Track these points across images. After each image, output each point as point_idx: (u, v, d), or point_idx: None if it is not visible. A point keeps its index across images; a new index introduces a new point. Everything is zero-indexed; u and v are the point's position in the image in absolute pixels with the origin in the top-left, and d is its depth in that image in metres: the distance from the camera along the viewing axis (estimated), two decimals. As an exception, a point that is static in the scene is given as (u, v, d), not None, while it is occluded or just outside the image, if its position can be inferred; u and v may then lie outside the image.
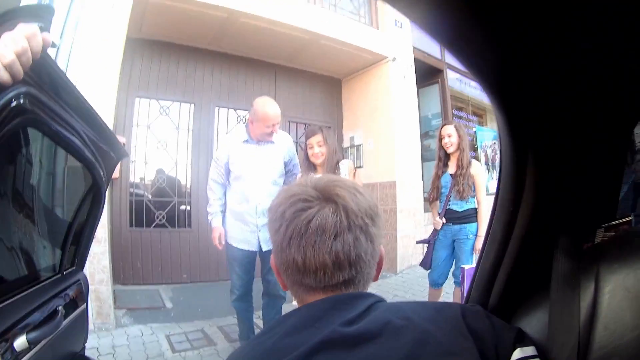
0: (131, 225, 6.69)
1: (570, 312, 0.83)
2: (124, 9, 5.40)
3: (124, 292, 5.34)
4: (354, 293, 1.00)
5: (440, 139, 4.67)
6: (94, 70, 5.00)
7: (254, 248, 4.10)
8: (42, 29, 2.09)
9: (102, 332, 4.72)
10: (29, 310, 1.48)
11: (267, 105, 3.98)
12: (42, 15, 2.28)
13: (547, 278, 0.94)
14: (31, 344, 1.38)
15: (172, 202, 7.13)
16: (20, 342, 1.33)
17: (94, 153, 1.71)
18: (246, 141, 4.08)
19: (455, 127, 4.62)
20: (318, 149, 4.00)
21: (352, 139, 8.95)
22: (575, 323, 0.81)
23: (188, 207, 7.31)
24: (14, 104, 1.11)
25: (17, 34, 1.07)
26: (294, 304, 3.24)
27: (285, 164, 4.26)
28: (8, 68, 1.04)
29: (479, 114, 12.20)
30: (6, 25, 2.25)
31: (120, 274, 6.34)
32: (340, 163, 4.02)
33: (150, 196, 7.00)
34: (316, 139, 4.02)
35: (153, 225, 6.84)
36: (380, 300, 0.99)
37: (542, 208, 1.01)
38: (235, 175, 4.06)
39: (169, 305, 5.89)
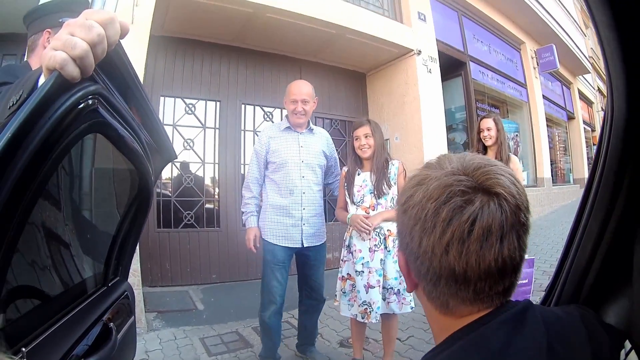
0: (159, 226, 6.66)
1: None
2: (147, 7, 5.36)
3: (154, 294, 5.29)
4: (519, 308, 0.86)
5: (479, 132, 4.61)
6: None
7: (297, 244, 3.94)
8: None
9: None
10: (82, 332, 1.35)
11: (294, 83, 4.06)
12: (79, 10, 2.17)
13: (630, 267, 0.97)
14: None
15: (199, 202, 7.09)
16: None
17: (149, 158, 1.55)
18: (287, 128, 4.04)
19: (494, 120, 4.56)
20: (365, 141, 3.72)
21: (379, 133, 8.76)
22: None
23: (216, 207, 7.26)
24: (81, 105, 0.92)
25: (90, 20, 0.87)
26: (336, 304, 3.04)
27: (327, 158, 4.20)
28: (79, 61, 0.84)
29: (498, 106, 12.19)
30: (43, 20, 2.15)
31: (149, 275, 6.29)
32: (390, 163, 3.77)
33: (177, 196, 6.92)
34: (363, 130, 3.75)
35: (181, 225, 6.79)
36: (530, 306, 0.87)
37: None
38: (277, 165, 3.95)
39: (200, 306, 5.83)
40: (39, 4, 2.31)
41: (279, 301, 3.97)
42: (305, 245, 3.94)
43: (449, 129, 9.36)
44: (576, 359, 0.81)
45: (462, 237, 0.80)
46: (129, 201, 1.78)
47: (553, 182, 13.58)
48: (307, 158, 4.01)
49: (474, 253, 0.79)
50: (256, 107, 7.77)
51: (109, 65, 0.98)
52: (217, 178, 7.31)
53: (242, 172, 7.41)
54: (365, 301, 3.51)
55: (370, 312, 3.51)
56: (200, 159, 7.17)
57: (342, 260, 3.84)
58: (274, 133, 4.05)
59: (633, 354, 0.88)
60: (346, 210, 3.85)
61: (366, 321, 3.59)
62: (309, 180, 4.00)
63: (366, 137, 3.72)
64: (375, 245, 3.61)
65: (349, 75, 8.95)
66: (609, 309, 1.06)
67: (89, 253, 1.79)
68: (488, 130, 4.49)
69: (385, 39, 7.71)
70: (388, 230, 3.64)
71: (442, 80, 8.69)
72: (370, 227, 3.52)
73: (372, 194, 3.69)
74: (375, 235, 3.62)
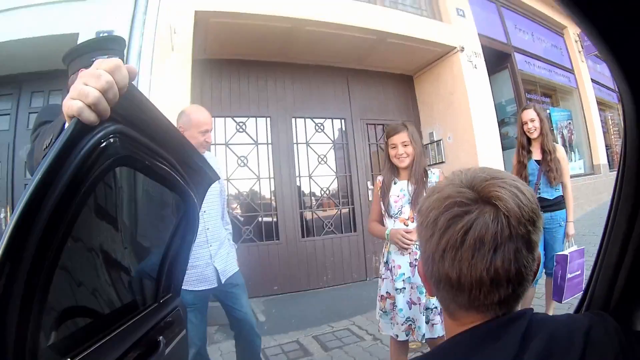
0: (219, 242, 6.77)
1: None
2: (186, 33, 5.58)
3: (215, 308, 5.44)
4: (504, 320, 0.89)
5: (522, 124, 4.50)
6: (164, 97, 5.16)
7: (213, 284, 3.52)
8: (119, 60, 2.11)
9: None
10: (131, 344, 1.47)
11: (199, 110, 3.47)
12: (114, 48, 2.32)
13: None
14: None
15: (257, 216, 7.24)
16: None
17: (186, 180, 1.68)
18: None
19: (536, 110, 4.45)
20: (403, 150, 3.34)
21: (430, 134, 8.80)
22: None
23: (274, 219, 7.38)
24: (103, 144, 1.04)
25: (99, 69, 0.99)
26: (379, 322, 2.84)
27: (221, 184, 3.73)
28: (93, 107, 0.96)
29: (550, 95, 11.87)
30: (81, 59, 2.29)
31: None
32: (429, 172, 3.43)
33: (236, 212, 7.09)
34: (401, 137, 3.36)
35: (240, 240, 6.93)
36: (531, 318, 0.90)
37: None
38: None
39: (261, 318, 5.93)
40: (76, 44, 2.46)
41: (201, 342, 3.63)
42: (223, 281, 3.52)
43: (501, 123, 9.19)
44: None
45: (455, 246, 0.85)
46: (176, 222, 1.92)
47: (610, 168, 13.04)
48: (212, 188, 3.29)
49: (466, 261, 0.85)
50: (307, 120, 7.88)
51: (126, 105, 1.08)
52: (273, 192, 7.45)
53: (298, 183, 7.59)
54: (409, 317, 3.23)
55: (414, 328, 3.22)
56: (255, 175, 7.34)
57: (380, 278, 3.49)
58: None
59: None
60: (381, 223, 3.53)
61: (411, 338, 3.28)
62: (211, 214, 3.56)
63: (404, 145, 3.36)
64: (415, 259, 3.26)
65: (396, 79, 8.95)
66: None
67: (141, 273, 1.93)
68: (532, 121, 4.37)
69: (426, 39, 7.70)
70: None
71: (489, 75, 8.57)
72: (412, 242, 3.21)
73: (411, 205, 3.36)
74: (416, 248, 3.19)
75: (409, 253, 3.26)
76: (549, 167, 4.25)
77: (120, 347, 1.43)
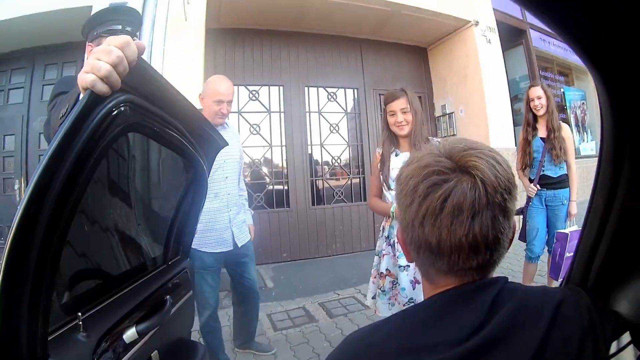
0: (230, 208, 6.87)
1: None
2: (199, 3, 5.62)
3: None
4: (477, 284, 0.93)
5: (528, 101, 4.51)
6: (178, 66, 5.26)
7: (229, 247, 3.65)
8: (132, 32, 2.20)
9: None
10: (138, 302, 1.57)
11: (220, 80, 3.60)
12: (128, 19, 2.39)
13: None
14: (140, 335, 1.46)
15: (269, 184, 7.35)
16: (130, 334, 1.42)
17: (195, 146, 1.78)
18: None
19: (543, 87, 4.45)
20: (402, 117, 3.12)
21: (443, 107, 8.78)
22: None
23: (285, 187, 7.48)
24: (114, 112, 1.15)
25: (110, 45, 1.10)
26: (368, 303, 2.92)
27: (240, 153, 3.91)
28: (105, 79, 1.07)
29: (565, 73, 11.69)
30: (99, 27, 2.36)
31: None
32: (433, 142, 3.05)
33: (246, 179, 7.13)
34: (399, 104, 3.14)
35: (252, 207, 6.98)
36: (503, 285, 0.93)
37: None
38: None
39: (270, 284, 6.07)
40: (90, 16, 2.53)
41: (214, 306, 3.75)
42: (239, 245, 3.68)
43: (514, 99, 9.12)
44: (515, 341, 0.83)
45: (434, 213, 0.87)
46: (186, 187, 2.02)
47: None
48: (226, 157, 3.56)
49: (445, 227, 0.87)
50: (319, 89, 7.89)
51: (136, 77, 1.19)
52: (284, 160, 7.52)
53: (310, 152, 7.65)
54: (412, 298, 3.02)
55: None
56: (267, 143, 7.39)
57: (378, 256, 3.31)
58: None
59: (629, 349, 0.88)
60: (381, 198, 3.36)
61: None
62: (233, 179, 3.70)
63: (403, 112, 3.12)
64: None
65: (410, 51, 8.89)
66: (619, 296, 1.03)
67: (151, 236, 2.04)
68: (538, 99, 4.37)
69: (440, 12, 7.61)
70: None
71: (503, 50, 8.48)
72: None
73: None
74: None
75: None
76: (553, 145, 4.27)
77: (129, 304, 1.53)
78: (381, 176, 3.25)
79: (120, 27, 2.28)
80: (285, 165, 7.53)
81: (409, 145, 3.17)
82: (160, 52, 5.20)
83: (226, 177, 3.62)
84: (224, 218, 3.61)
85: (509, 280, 0.96)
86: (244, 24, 7.15)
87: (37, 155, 6.53)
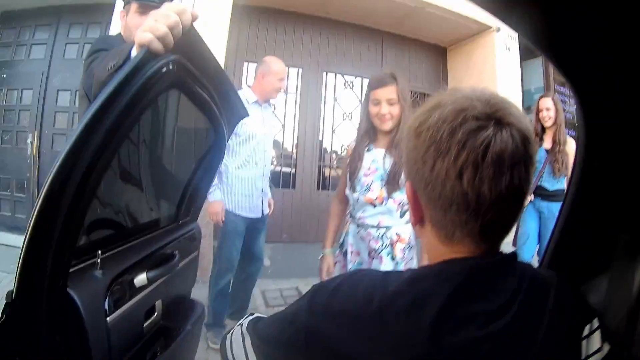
0: (235, 184, 6.96)
1: (627, 282, 0.86)
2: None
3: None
4: (508, 256, 0.90)
5: (538, 112, 4.57)
6: (203, 37, 5.26)
7: (258, 214, 4.04)
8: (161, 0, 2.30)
9: (199, 284, 4.86)
10: (149, 252, 1.69)
11: (277, 61, 4.03)
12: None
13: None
14: (150, 281, 1.57)
15: (277, 164, 7.40)
16: (140, 278, 1.54)
17: (221, 112, 1.93)
18: (255, 102, 3.94)
19: (553, 100, 4.51)
20: (387, 109, 2.59)
21: (457, 108, 8.72)
22: (630, 293, 0.84)
23: (293, 169, 7.56)
24: (164, 69, 1.30)
25: (168, 10, 1.26)
26: None
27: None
28: (161, 39, 1.22)
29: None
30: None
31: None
32: None
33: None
34: (386, 92, 2.58)
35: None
36: (518, 263, 0.92)
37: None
38: (244, 138, 3.82)
39: (267, 263, 6.07)
40: None
41: (236, 267, 4.09)
42: (265, 214, 4.10)
43: (527, 110, 9.16)
44: (532, 318, 0.83)
45: (476, 161, 0.78)
46: (204, 151, 2.14)
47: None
48: (268, 132, 4.08)
49: (487, 179, 0.79)
50: (337, 75, 7.92)
51: (185, 42, 1.35)
52: (295, 141, 7.59)
53: (320, 138, 7.70)
54: None
55: None
56: (281, 123, 7.45)
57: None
58: None
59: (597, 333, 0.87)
60: (346, 202, 2.90)
61: None
62: (269, 153, 4.12)
63: (390, 103, 2.59)
64: (375, 249, 2.64)
65: (430, 49, 8.90)
66: (588, 283, 1.04)
67: (167, 195, 2.16)
68: (547, 110, 4.45)
69: (464, 14, 7.61)
70: (397, 234, 2.64)
71: (521, 60, 8.50)
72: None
73: (383, 182, 2.63)
74: (378, 237, 2.64)
75: (369, 241, 2.68)
76: (555, 158, 4.35)
77: (142, 253, 1.65)
78: (348, 174, 2.77)
79: None
80: (295, 147, 7.62)
81: (389, 143, 2.68)
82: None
83: (265, 150, 3.97)
84: (259, 186, 3.98)
85: None
86: (270, 3, 7.17)
87: (53, 112, 6.62)
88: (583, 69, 0.96)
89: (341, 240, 2.90)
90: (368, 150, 2.72)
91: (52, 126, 6.61)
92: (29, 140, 6.59)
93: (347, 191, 2.77)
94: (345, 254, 2.82)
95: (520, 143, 0.81)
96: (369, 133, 2.74)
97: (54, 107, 6.62)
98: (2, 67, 6.79)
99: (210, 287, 4.09)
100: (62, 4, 6.64)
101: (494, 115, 0.81)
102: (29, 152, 6.56)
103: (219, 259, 4.00)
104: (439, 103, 0.87)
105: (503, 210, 0.84)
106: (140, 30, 1.23)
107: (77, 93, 5.98)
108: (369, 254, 2.66)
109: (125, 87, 1.18)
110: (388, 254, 2.61)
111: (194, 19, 1.34)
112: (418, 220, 0.96)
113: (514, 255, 0.92)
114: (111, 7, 5.50)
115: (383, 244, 2.62)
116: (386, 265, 2.59)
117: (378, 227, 2.63)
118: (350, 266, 2.74)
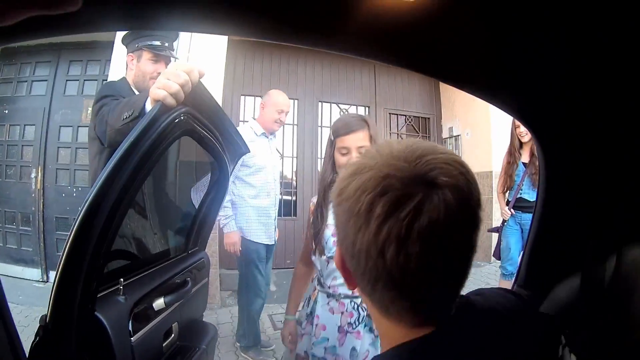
0: (239, 214, 7.09)
1: (598, 281, 0.97)
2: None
3: (230, 276, 5.73)
4: (460, 316, 0.79)
5: (515, 127, 4.73)
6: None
7: (272, 241, 4.28)
8: (169, 47, 2.50)
9: (207, 310, 4.98)
10: (165, 279, 1.87)
11: (281, 94, 4.25)
12: (167, 34, 2.68)
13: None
14: (167, 305, 1.76)
15: (280, 192, 7.44)
16: (158, 302, 1.72)
17: (224, 150, 2.17)
18: (263, 134, 4.16)
19: None
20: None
21: (450, 129, 8.93)
22: (601, 294, 0.94)
23: (294, 198, 7.74)
24: (177, 120, 1.53)
25: (179, 70, 1.50)
26: None
27: None
28: (174, 96, 1.46)
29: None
30: (136, 41, 2.64)
31: (227, 259, 6.62)
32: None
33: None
34: (356, 139, 2.18)
35: (261, 213, 7.23)
36: (473, 301, 0.85)
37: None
38: (256, 168, 4.02)
39: (272, 288, 6.26)
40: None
41: (265, 289, 4.29)
42: (274, 242, 4.32)
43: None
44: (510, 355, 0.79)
45: (399, 237, 0.66)
46: (209, 186, 2.36)
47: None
48: (276, 162, 4.36)
49: (414, 255, 0.67)
50: (332, 105, 8.13)
51: (193, 94, 1.58)
52: (295, 171, 7.78)
53: (318, 166, 7.71)
54: None
55: None
56: (280, 153, 7.50)
57: (299, 329, 2.41)
58: (251, 137, 4.00)
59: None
60: (310, 264, 2.44)
61: None
62: (278, 182, 4.35)
63: (361, 152, 2.12)
64: (350, 323, 2.17)
65: (422, 72, 8.97)
66: (551, 297, 1.14)
67: (177, 228, 2.38)
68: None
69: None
70: None
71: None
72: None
73: None
74: (353, 309, 2.19)
75: (342, 313, 2.19)
76: (534, 171, 4.45)
77: (158, 280, 1.85)
78: (313, 236, 2.32)
79: (159, 42, 2.50)
80: (294, 176, 7.79)
81: None
82: (184, 60, 5.47)
83: (275, 180, 4.22)
84: (272, 215, 4.21)
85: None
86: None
87: (56, 147, 6.74)
88: (548, 129, 1.25)
89: (309, 308, 2.36)
90: None
91: (55, 161, 6.74)
92: (32, 175, 6.70)
93: (313, 256, 2.32)
94: (312, 324, 2.29)
95: (456, 205, 0.68)
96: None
97: (56, 143, 6.75)
98: (4, 103, 6.93)
99: (241, 313, 4.29)
100: (61, 41, 6.81)
101: (423, 178, 0.69)
102: (33, 187, 6.67)
103: (246, 287, 4.18)
104: (361, 167, 0.75)
105: (437, 286, 0.73)
106: (154, 88, 1.46)
107: (79, 129, 6.34)
108: (340, 328, 2.18)
109: (144, 137, 1.38)
110: (365, 326, 2.15)
111: (201, 76, 1.57)
112: (352, 286, 0.84)
113: (467, 307, 0.83)
114: (110, 45, 5.74)
115: (360, 316, 2.16)
116: (365, 341, 2.13)
117: (352, 297, 2.18)
118: (314, 341, 2.20)
